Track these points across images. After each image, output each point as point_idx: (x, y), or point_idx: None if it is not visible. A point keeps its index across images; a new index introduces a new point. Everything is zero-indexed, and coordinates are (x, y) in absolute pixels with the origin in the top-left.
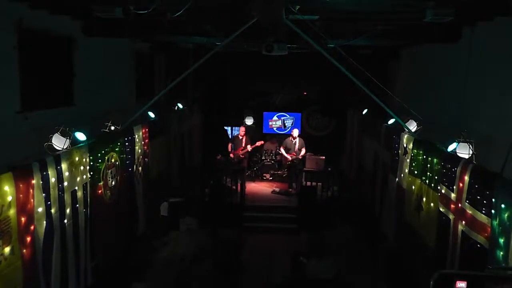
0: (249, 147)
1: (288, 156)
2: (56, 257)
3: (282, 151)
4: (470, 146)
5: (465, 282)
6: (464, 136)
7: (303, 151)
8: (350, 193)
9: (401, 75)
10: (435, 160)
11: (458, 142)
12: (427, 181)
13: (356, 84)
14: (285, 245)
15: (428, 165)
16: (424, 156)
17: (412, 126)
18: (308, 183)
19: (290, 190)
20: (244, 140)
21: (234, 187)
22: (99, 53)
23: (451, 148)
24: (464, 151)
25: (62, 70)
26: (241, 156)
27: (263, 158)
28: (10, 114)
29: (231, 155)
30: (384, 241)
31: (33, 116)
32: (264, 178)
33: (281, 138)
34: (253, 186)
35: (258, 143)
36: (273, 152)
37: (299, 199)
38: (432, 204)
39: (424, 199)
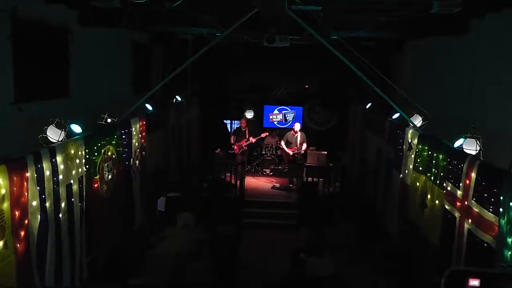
0: (252, 139)
1: (289, 151)
2: (51, 252)
3: (283, 145)
4: (478, 141)
5: (478, 280)
6: (471, 132)
7: (305, 145)
8: (352, 189)
9: (406, 68)
10: (440, 156)
11: (465, 138)
12: (432, 178)
13: (359, 77)
14: (285, 242)
15: (434, 161)
16: (429, 152)
17: (417, 121)
18: (309, 179)
19: (291, 185)
20: (246, 132)
21: (233, 182)
22: (95, 44)
23: (457, 143)
24: (471, 147)
25: (57, 60)
26: (244, 147)
27: (264, 152)
28: (4, 106)
29: (234, 146)
30: (386, 239)
31: (27, 107)
32: (264, 173)
33: (282, 132)
34: (253, 181)
35: (263, 135)
36: (274, 146)
37: (300, 195)
38: (437, 202)
39: (429, 196)
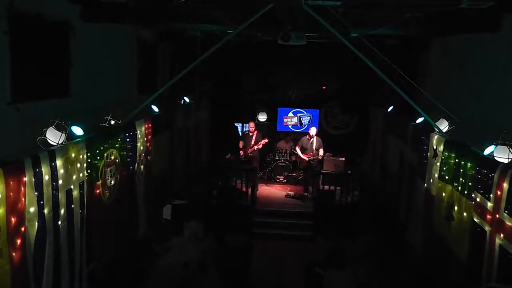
0: (256, 146)
1: (304, 157)
2: (49, 261)
3: (298, 151)
4: (510, 149)
5: None
6: (503, 138)
7: (321, 151)
8: (372, 199)
9: (431, 68)
10: (469, 164)
11: (496, 145)
12: (459, 188)
13: (381, 78)
14: (299, 254)
15: (461, 170)
16: (457, 160)
17: (443, 126)
18: (326, 187)
19: (306, 194)
20: (254, 137)
21: (244, 189)
22: (98, 41)
23: (487, 151)
24: (502, 155)
25: (57, 58)
26: (249, 154)
27: (277, 158)
28: (0, 106)
29: (241, 152)
30: (409, 253)
31: (25, 107)
32: (278, 180)
33: (296, 136)
34: (265, 189)
35: (263, 141)
36: (288, 152)
37: (316, 204)
38: (465, 214)
39: (456, 207)
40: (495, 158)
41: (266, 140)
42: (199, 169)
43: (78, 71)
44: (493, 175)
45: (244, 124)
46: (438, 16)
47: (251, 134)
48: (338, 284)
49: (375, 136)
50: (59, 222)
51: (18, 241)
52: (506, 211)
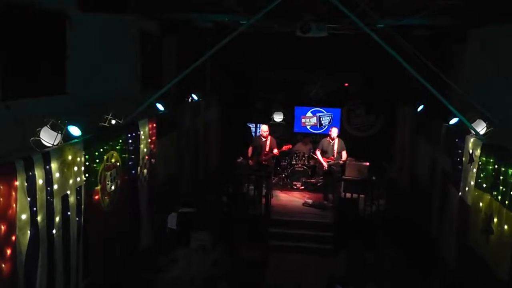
0: (275, 151)
1: (324, 162)
2: (42, 274)
3: (318, 154)
4: None
5: None
6: None
7: (344, 155)
8: (399, 208)
9: (467, 62)
10: (510, 170)
11: None
12: (499, 197)
13: (410, 74)
14: (318, 268)
15: (501, 177)
16: (496, 166)
17: (481, 127)
18: (348, 195)
19: (326, 202)
20: (268, 142)
21: (258, 196)
22: (97, 33)
23: None
24: None
25: (52, 51)
26: (263, 162)
27: (294, 162)
28: None
29: (250, 162)
30: (441, 269)
31: (16, 105)
32: (295, 187)
33: (316, 138)
34: (281, 197)
35: (285, 148)
36: (306, 155)
37: (337, 213)
38: (506, 227)
39: (495, 219)
40: None
41: (290, 146)
42: (209, 174)
43: (75, 66)
44: None
45: (258, 125)
46: (475, 4)
47: (263, 139)
48: None
49: (403, 138)
50: (54, 231)
51: (8, 251)
52: None
